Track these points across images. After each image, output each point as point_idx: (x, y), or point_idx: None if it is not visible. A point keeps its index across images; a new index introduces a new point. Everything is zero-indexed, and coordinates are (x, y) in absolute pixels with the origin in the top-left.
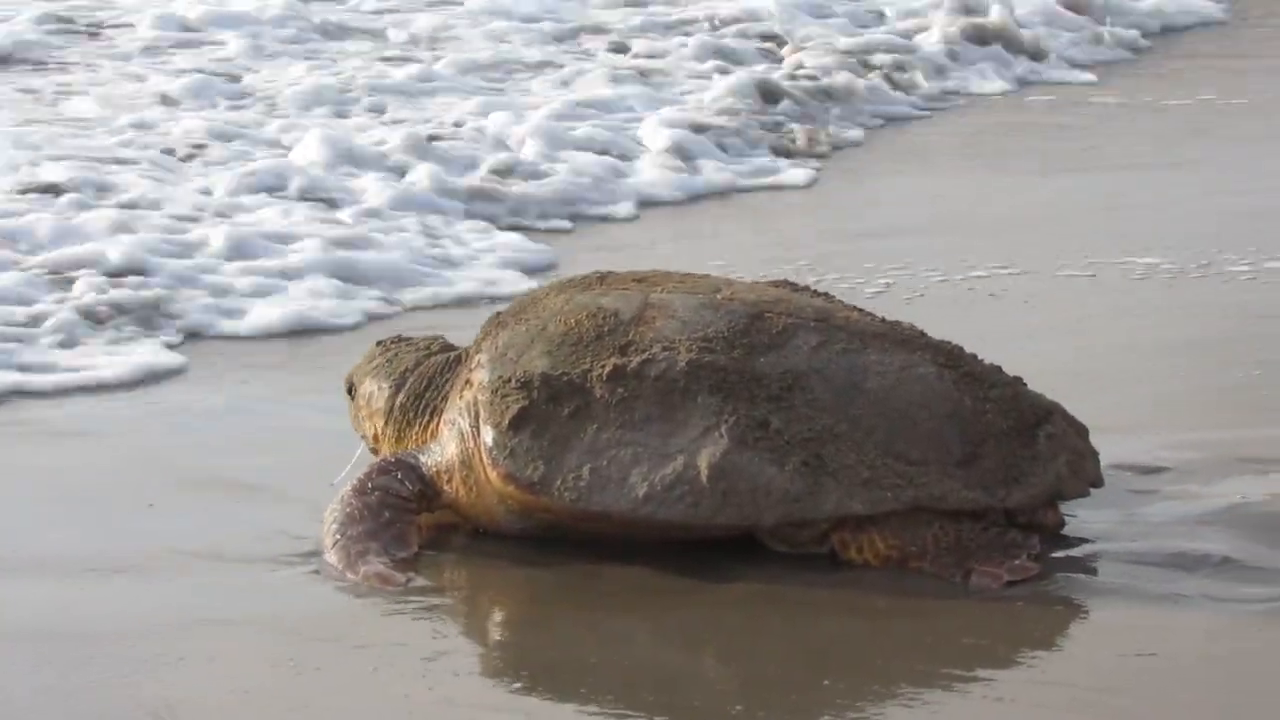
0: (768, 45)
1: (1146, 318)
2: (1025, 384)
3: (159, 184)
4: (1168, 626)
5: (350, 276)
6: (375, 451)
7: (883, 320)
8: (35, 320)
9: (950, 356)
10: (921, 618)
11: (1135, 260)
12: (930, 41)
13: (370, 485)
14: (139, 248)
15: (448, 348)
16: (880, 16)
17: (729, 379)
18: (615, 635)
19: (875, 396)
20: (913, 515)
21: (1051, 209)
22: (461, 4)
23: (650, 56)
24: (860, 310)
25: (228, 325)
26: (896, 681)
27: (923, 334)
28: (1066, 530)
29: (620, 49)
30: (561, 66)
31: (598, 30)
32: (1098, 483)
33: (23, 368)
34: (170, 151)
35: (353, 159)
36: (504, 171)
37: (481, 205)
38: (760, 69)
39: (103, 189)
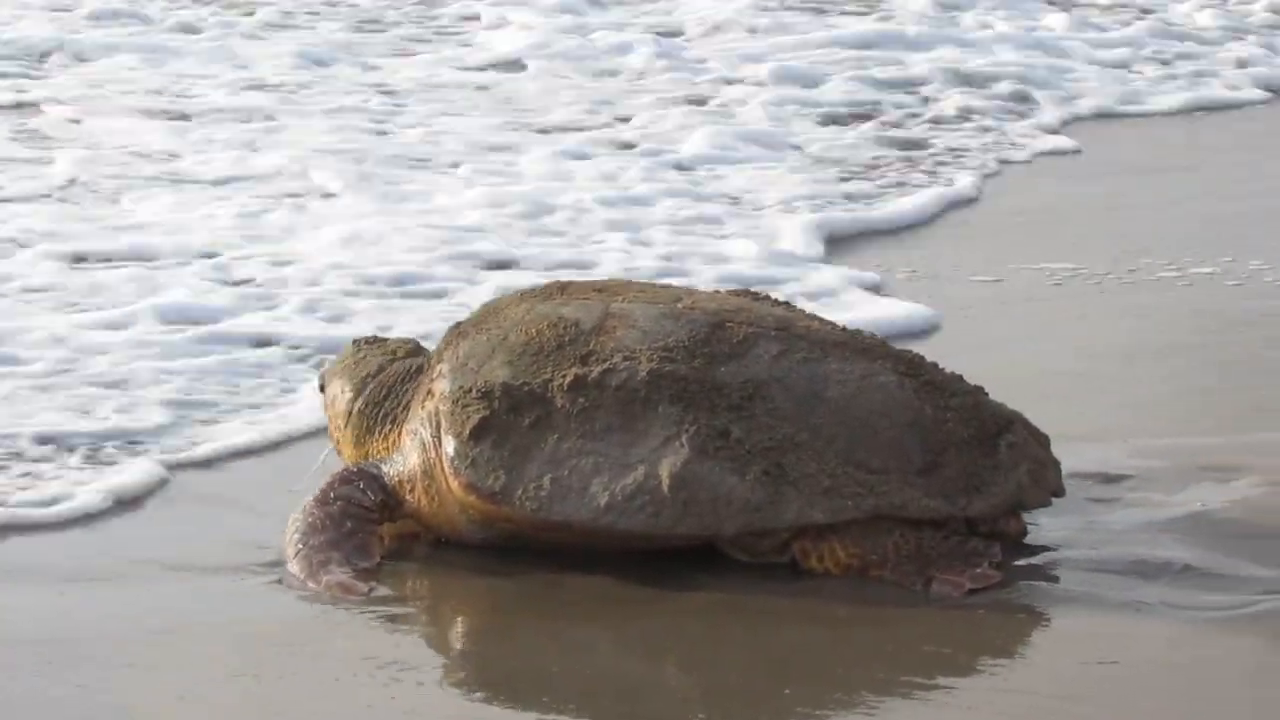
0: None
1: (1106, 323)
2: (986, 393)
3: None
4: (1129, 634)
5: None
6: (338, 452)
7: (843, 329)
8: None
9: (911, 365)
10: (883, 626)
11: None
12: None
13: (333, 495)
14: None
15: (415, 352)
16: None
17: (690, 388)
18: (577, 644)
19: (836, 405)
20: (874, 524)
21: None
22: None
23: None
24: (820, 319)
25: None
26: (858, 690)
27: (883, 343)
28: (1028, 538)
29: None
30: None
31: None
32: (1059, 492)
33: None
34: None
35: None
36: None
37: None
38: None
39: None
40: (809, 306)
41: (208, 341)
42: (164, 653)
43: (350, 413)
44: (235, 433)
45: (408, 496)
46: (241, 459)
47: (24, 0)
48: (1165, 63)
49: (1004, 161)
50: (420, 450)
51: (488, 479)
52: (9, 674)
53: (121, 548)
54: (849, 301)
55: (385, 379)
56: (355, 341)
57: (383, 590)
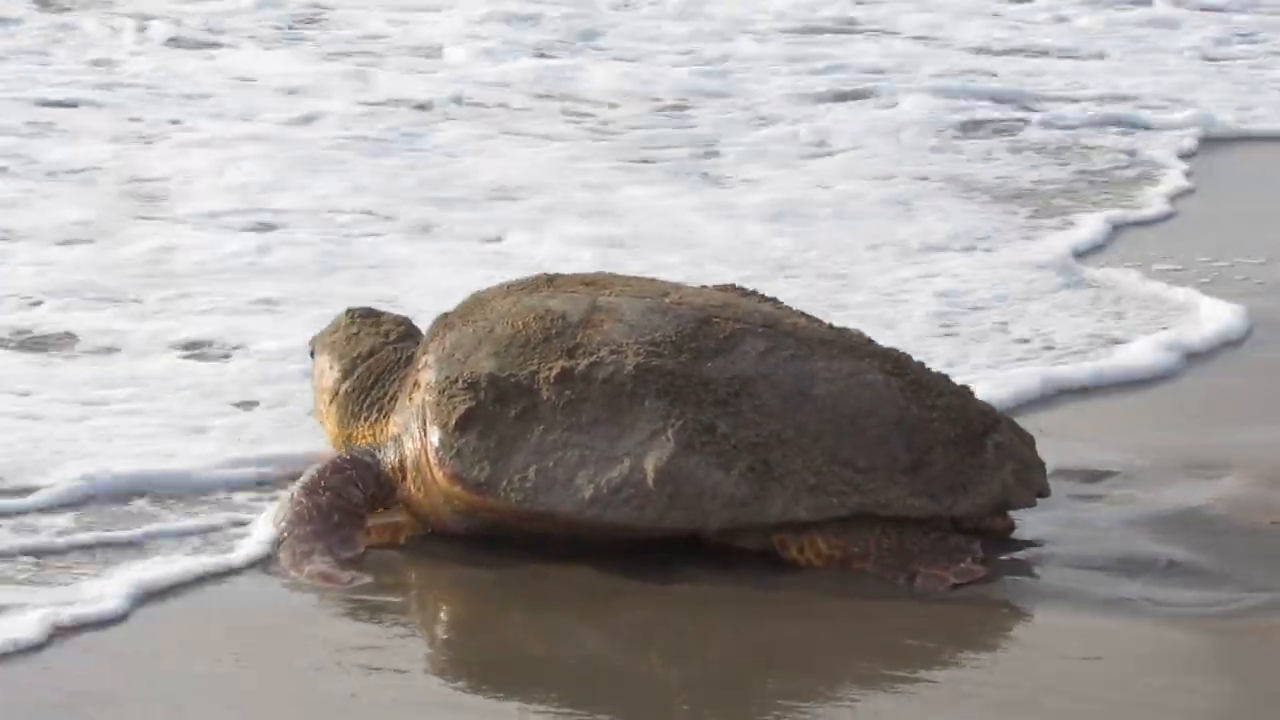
0: None
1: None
2: (973, 393)
3: None
4: (1112, 630)
5: None
6: (320, 424)
7: (830, 326)
8: None
9: (897, 364)
10: (867, 619)
11: None
12: None
13: (322, 484)
14: None
15: (407, 335)
16: None
17: (676, 383)
18: (561, 634)
19: (822, 403)
20: (856, 518)
21: None
22: None
23: None
24: (808, 316)
25: None
26: (841, 682)
27: (870, 341)
28: (1013, 534)
29: None
30: None
31: None
32: (1044, 492)
33: None
34: None
35: None
36: None
37: None
38: None
39: None
40: None
41: None
42: (146, 639)
43: (337, 392)
44: None
45: (400, 485)
46: None
47: None
48: None
49: None
50: (408, 440)
51: (473, 470)
52: None
53: None
54: None
55: (375, 365)
56: (349, 312)
57: (366, 579)
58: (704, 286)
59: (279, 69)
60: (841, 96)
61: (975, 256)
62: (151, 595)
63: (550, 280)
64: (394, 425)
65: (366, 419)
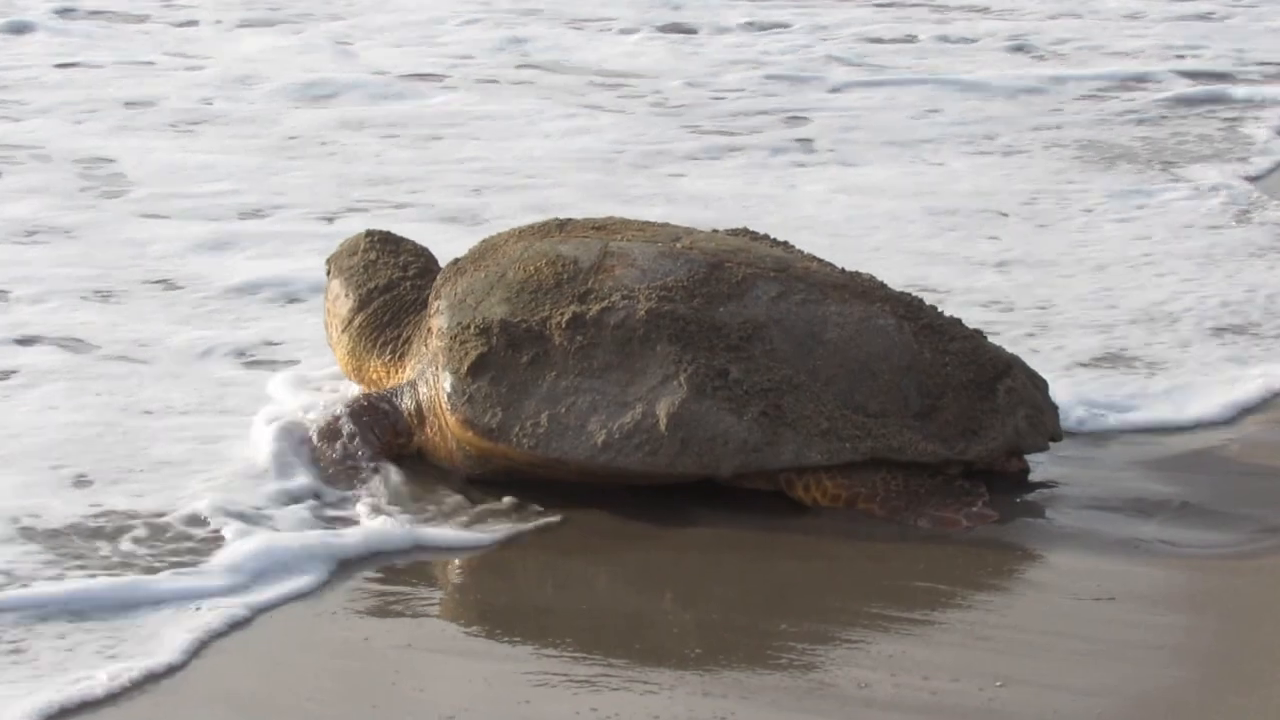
0: None
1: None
2: (985, 337)
3: None
4: (1125, 571)
5: None
6: (330, 345)
7: (842, 271)
8: None
9: (910, 309)
10: (879, 561)
11: None
12: None
13: (342, 430)
14: None
15: (425, 271)
16: None
17: (688, 328)
18: (574, 578)
19: (834, 348)
20: (865, 461)
21: None
22: None
23: None
24: (820, 260)
25: None
26: (853, 625)
27: (883, 285)
28: (1027, 477)
29: None
30: None
31: None
32: (1057, 436)
33: None
34: None
35: None
36: None
37: None
38: None
39: None
40: None
41: None
42: None
43: (351, 322)
44: None
45: (418, 431)
46: None
47: None
48: None
49: None
50: (422, 386)
51: (485, 415)
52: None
53: None
54: None
55: (391, 302)
56: (369, 234)
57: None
58: (715, 231)
59: None
60: None
61: None
62: None
63: (561, 225)
64: (410, 370)
65: (380, 357)
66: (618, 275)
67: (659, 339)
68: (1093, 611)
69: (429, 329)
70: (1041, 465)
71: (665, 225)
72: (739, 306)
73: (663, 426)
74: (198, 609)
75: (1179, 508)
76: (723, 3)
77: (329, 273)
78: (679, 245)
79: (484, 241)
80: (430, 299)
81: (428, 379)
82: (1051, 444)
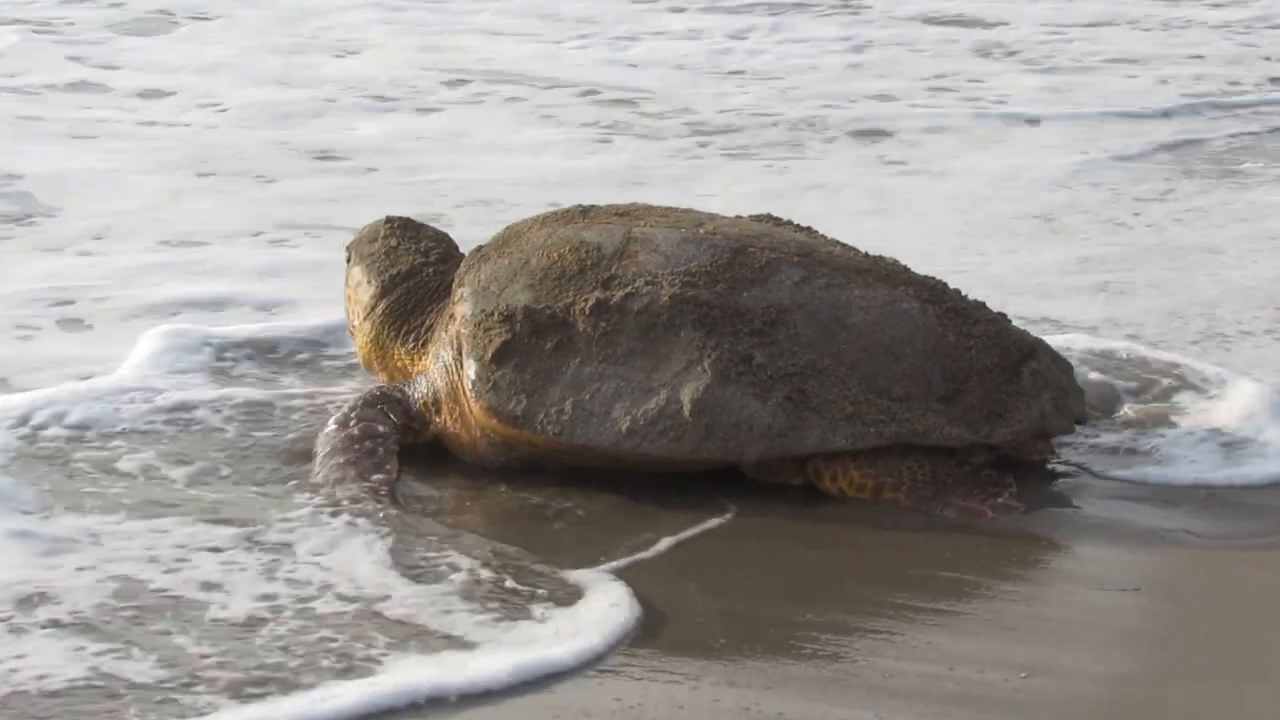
0: None
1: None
2: (1009, 320)
3: None
4: (1150, 561)
5: None
6: (350, 332)
7: (865, 255)
8: None
9: (934, 292)
10: (904, 550)
11: None
12: None
13: (354, 417)
14: None
15: (446, 258)
16: None
17: (712, 314)
18: None
19: (858, 332)
20: (891, 448)
21: None
22: None
23: None
24: (843, 245)
25: None
26: (878, 615)
27: (906, 269)
28: (1051, 462)
29: None
30: None
31: None
32: (1082, 419)
33: None
34: None
35: None
36: None
37: None
38: None
39: None
40: None
41: None
42: None
43: (373, 309)
44: None
45: (435, 419)
46: None
47: None
48: None
49: None
50: (444, 374)
51: (509, 403)
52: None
53: None
54: None
55: (414, 289)
56: (389, 220)
57: (394, 512)
58: (738, 216)
59: None
60: None
61: None
62: None
63: (585, 211)
64: (431, 358)
65: (404, 345)
66: (641, 261)
67: (683, 324)
68: (1118, 602)
69: (452, 315)
70: (1065, 452)
71: (689, 211)
72: (763, 291)
73: (687, 412)
74: None
75: (1205, 497)
76: None
77: (349, 259)
78: (702, 230)
79: (507, 228)
80: (454, 286)
81: (450, 366)
82: (1077, 426)
